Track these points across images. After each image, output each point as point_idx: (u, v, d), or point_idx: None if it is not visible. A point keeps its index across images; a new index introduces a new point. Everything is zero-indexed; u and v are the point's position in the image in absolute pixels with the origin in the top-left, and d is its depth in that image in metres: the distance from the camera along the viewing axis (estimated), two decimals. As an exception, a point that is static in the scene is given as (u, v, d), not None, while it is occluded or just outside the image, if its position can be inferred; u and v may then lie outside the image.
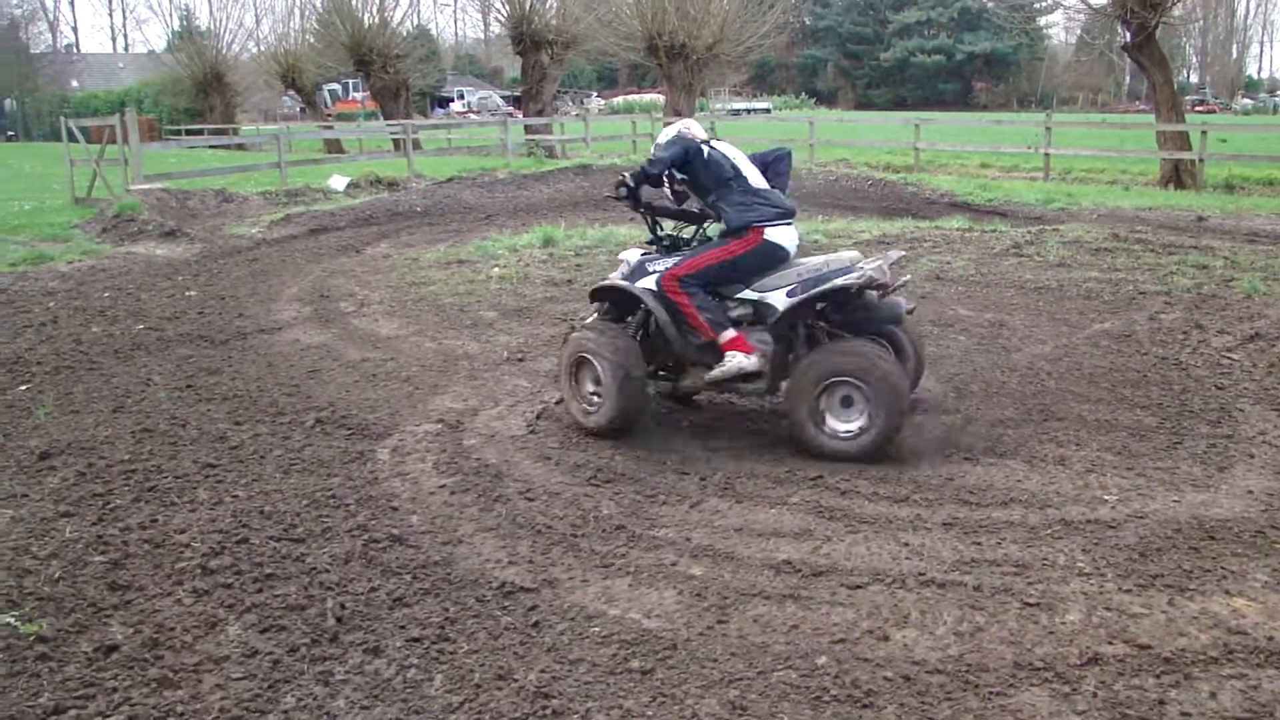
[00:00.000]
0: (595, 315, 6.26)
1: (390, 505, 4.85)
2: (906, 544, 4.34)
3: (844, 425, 5.34)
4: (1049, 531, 4.44)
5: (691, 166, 5.74)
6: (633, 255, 6.14)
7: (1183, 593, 3.89)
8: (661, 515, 4.69)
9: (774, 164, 6.08)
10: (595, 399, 5.85)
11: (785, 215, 5.70)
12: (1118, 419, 5.98)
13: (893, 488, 4.96)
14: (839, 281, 5.41)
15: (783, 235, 5.65)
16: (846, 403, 5.33)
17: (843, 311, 5.69)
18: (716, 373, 5.65)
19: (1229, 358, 7.13)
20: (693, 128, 6.04)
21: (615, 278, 6.07)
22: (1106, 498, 4.82)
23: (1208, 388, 6.53)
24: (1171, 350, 7.38)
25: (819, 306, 5.65)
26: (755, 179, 5.80)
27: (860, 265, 5.51)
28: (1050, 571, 4.07)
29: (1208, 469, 5.18)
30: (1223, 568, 4.08)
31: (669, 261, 5.81)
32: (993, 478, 5.09)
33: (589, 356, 5.81)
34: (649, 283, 5.82)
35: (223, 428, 6.05)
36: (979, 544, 4.33)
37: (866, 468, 5.20)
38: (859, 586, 3.97)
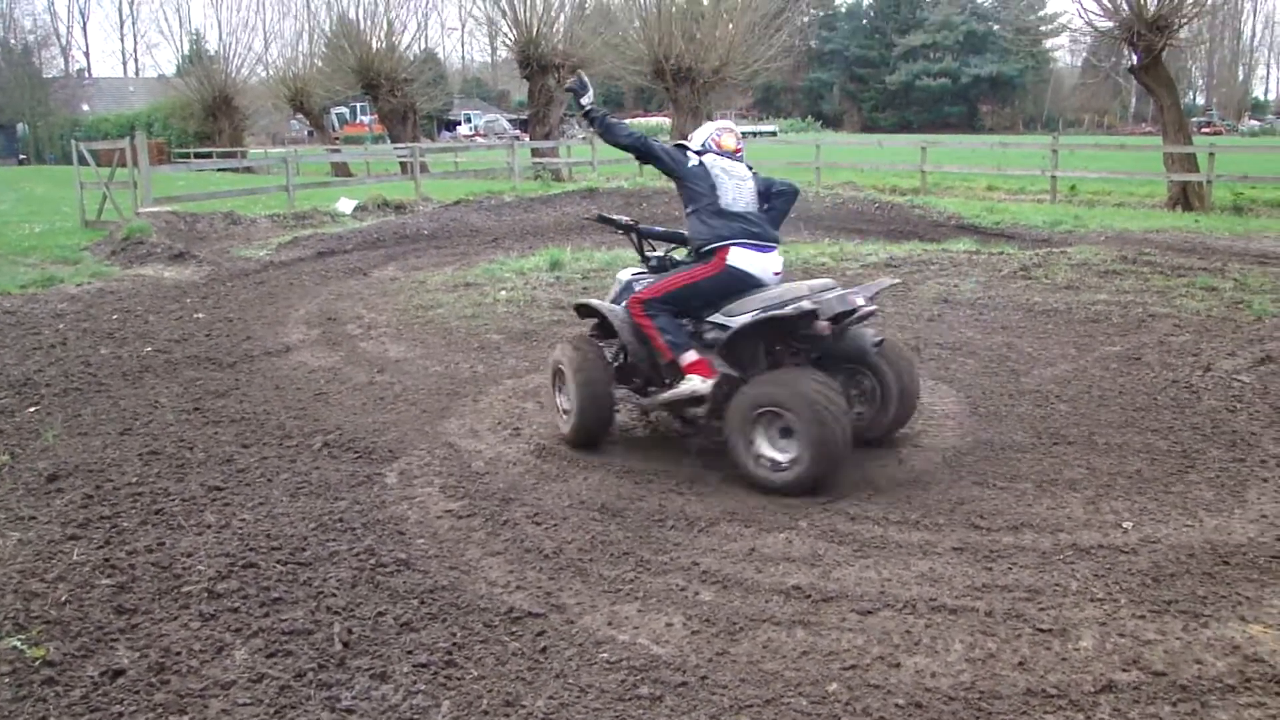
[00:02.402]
0: (588, 329, 6.34)
1: (397, 529, 4.83)
2: (917, 569, 4.31)
3: (778, 455, 5.15)
4: (1061, 557, 4.41)
5: (674, 173, 5.81)
6: (625, 275, 6.24)
7: (1198, 619, 3.85)
8: (670, 540, 4.66)
9: (777, 196, 6.06)
10: (567, 411, 5.99)
11: (757, 239, 5.63)
12: (1129, 442, 5.94)
13: (902, 512, 4.93)
14: (776, 312, 5.27)
15: (749, 260, 5.58)
16: (785, 433, 5.12)
17: (809, 342, 5.51)
18: (667, 395, 5.73)
19: (1239, 380, 7.09)
20: (724, 135, 6.01)
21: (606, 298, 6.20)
22: (1119, 523, 4.78)
23: (1219, 411, 6.49)
24: (1181, 373, 7.34)
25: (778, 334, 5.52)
26: (735, 200, 5.72)
27: (819, 295, 5.32)
28: (1063, 597, 4.03)
29: (1220, 493, 5.14)
30: (1238, 594, 4.04)
31: (647, 282, 5.87)
32: (1003, 502, 5.06)
33: (563, 369, 5.96)
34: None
35: (230, 450, 6.04)
36: (990, 569, 4.30)
37: (877, 492, 5.17)
38: (869, 612, 3.94)
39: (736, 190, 5.75)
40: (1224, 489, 5.20)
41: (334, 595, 4.14)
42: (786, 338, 5.52)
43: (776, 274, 5.69)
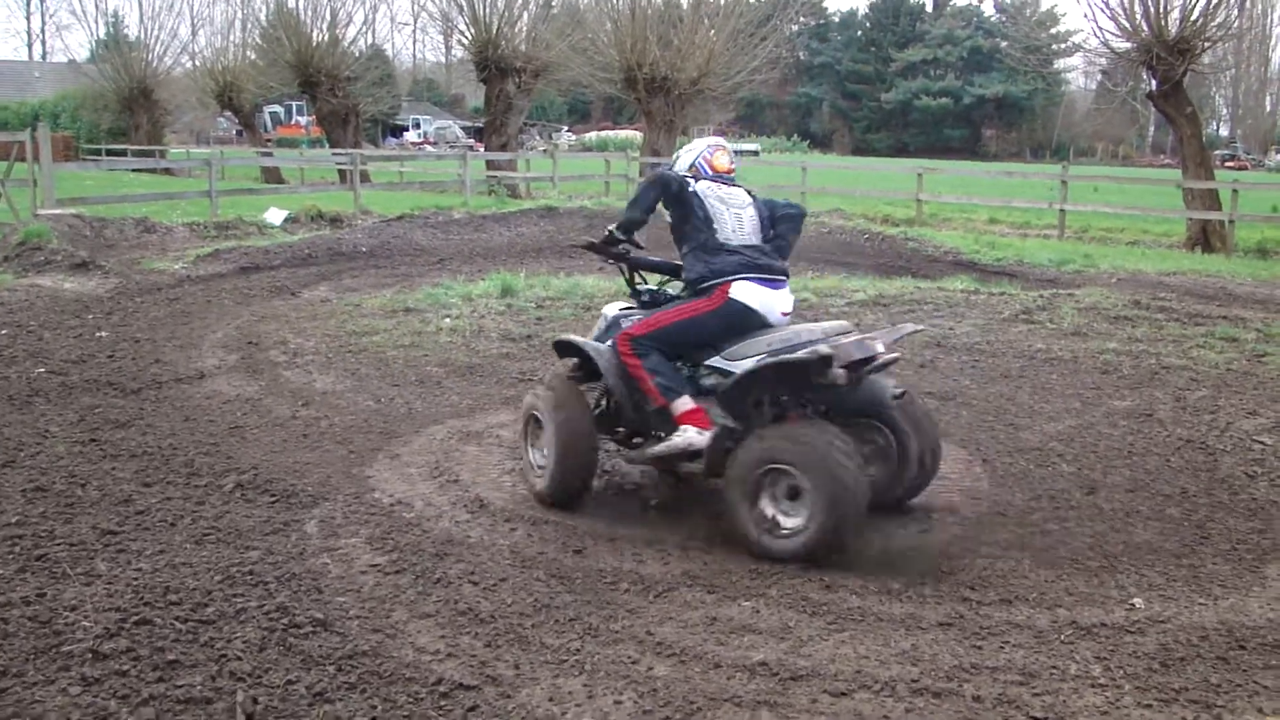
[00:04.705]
0: (567, 370, 6.23)
1: (315, 585, 4.77)
2: (898, 646, 4.29)
3: (783, 519, 5.07)
4: (1059, 636, 4.41)
5: (673, 205, 5.73)
6: (612, 310, 6.15)
7: (1210, 709, 3.85)
8: (623, 606, 4.63)
9: (782, 221, 6.00)
10: (541, 465, 5.87)
11: (763, 273, 5.59)
12: (1137, 508, 5.98)
13: (883, 581, 4.91)
14: (786, 357, 5.17)
15: (753, 295, 5.51)
16: (793, 495, 5.04)
17: (821, 391, 5.37)
18: (660, 447, 5.58)
19: (1260, 442, 7.16)
20: (716, 154, 6.02)
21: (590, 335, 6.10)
22: (1126, 599, 4.79)
23: (1237, 476, 6.55)
24: (1197, 432, 7.41)
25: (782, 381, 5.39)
26: (735, 232, 5.70)
27: (834, 338, 5.24)
28: (1060, 682, 4.03)
29: (1237, 568, 5.17)
30: (1255, 681, 4.05)
31: (637, 318, 5.81)
32: (996, 572, 5.06)
33: (538, 415, 5.84)
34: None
35: (128, 489, 5.95)
36: (979, 648, 4.29)
37: (855, 559, 5.16)
38: (843, 694, 3.91)
39: (736, 221, 5.73)
40: (1241, 564, 5.23)
41: (239, 659, 4.07)
42: (796, 386, 5.39)
43: (785, 314, 5.62)
